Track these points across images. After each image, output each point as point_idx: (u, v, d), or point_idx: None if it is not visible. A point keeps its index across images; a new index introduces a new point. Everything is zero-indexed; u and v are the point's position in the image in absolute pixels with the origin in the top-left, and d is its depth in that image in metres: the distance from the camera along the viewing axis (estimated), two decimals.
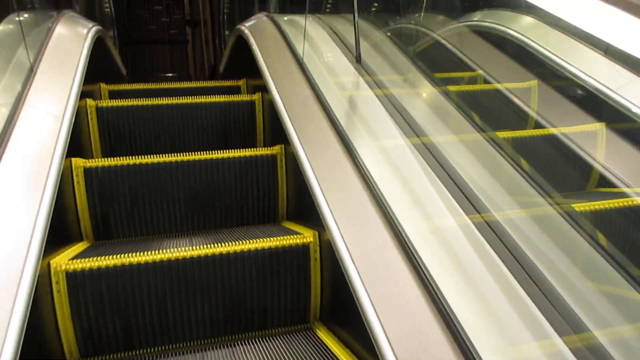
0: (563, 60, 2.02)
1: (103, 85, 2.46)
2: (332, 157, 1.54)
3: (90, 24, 2.58)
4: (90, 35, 2.38)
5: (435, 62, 2.48)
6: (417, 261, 1.10)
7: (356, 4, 2.16)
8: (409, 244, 1.15)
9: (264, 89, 2.30)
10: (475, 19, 2.76)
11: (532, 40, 2.31)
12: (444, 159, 1.42)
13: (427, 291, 1.03)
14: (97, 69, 2.63)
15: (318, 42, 2.23)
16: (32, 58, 1.82)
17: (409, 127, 1.61)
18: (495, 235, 1.15)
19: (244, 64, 3.13)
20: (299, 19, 2.71)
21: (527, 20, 2.44)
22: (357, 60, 2.12)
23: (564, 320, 0.93)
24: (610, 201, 1.49)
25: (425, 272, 1.07)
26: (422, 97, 1.99)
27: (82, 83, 1.95)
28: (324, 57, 2.12)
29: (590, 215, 1.46)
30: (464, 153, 1.54)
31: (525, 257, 1.07)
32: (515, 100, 2.01)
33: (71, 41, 2.15)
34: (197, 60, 10.93)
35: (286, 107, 1.87)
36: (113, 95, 2.49)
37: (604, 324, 0.97)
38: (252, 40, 2.48)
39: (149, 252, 1.39)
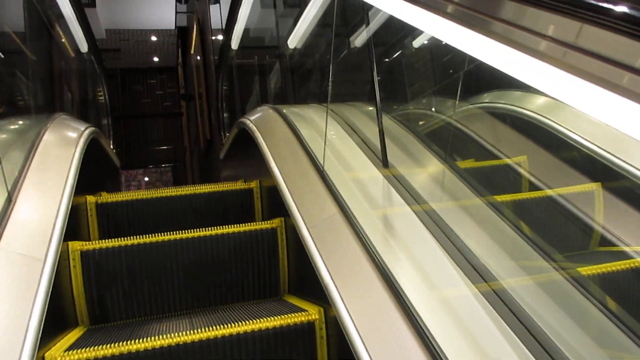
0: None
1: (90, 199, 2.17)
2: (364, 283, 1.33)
3: (82, 127, 2.35)
4: (81, 141, 2.14)
5: (460, 150, 2.26)
6: (427, 338, 1.08)
7: (378, 102, 1.94)
8: (418, 319, 1.13)
9: (273, 190, 2.15)
10: (487, 100, 2.60)
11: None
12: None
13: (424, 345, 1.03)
14: (90, 169, 2.39)
15: (336, 144, 1.99)
16: (11, 184, 1.56)
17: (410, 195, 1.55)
18: (502, 302, 1.15)
19: (247, 156, 2.91)
20: (309, 112, 2.49)
21: (542, 99, 2.30)
22: (384, 164, 1.88)
23: None
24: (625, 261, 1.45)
25: (438, 350, 1.04)
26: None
27: (69, 208, 1.69)
28: (347, 164, 1.88)
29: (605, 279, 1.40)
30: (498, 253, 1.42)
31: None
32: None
33: (59, 156, 1.89)
34: (191, 132, 10.84)
35: (311, 233, 1.60)
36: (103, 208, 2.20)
37: None
38: (260, 140, 2.24)
39: (148, 339, 1.32)
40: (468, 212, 1.68)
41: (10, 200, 1.50)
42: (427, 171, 1.98)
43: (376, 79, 1.86)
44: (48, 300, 1.29)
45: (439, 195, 1.77)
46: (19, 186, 1.61)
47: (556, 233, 1.84)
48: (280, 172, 1.94)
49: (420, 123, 2.57)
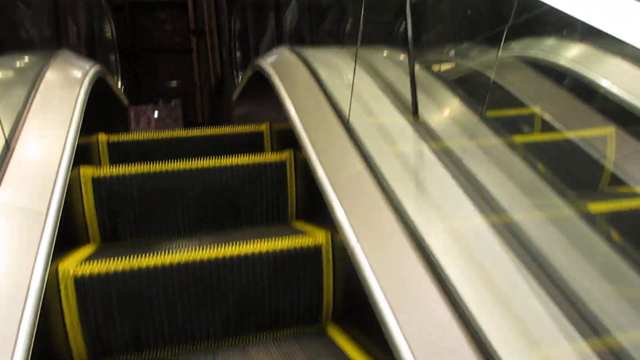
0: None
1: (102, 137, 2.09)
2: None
3: (87, 66, 2.19)
4: (86, 81, 1.99)
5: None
6: (433, 262, 1.08)
7: (411, 45, 1.77)
8: (424, 243, 1.13)
9: (283, 134, 2.15)
10: (516, 49, 2.41)
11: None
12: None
13: (445, 292, 1.01)
14: (96, 110, 2.27)
15: (363, 94, 1.83)
16: (8, 129, 1.43)
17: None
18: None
19: (261, 99, 2.76)
20: (331, 55, 2.31)
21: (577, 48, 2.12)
22: (414, 113, 1.74)
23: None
24: None
25: (444, 275, 1.05)
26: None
27: (73, 152, 1.58)
28: (373, 112, 1.73)
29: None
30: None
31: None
32: None
33: (62, 97, 1.76)
34: (202, 69, 10.55)
35: (332, 182, 1.51)
36: (112, 147, 2.14)
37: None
38: (278, 83, 2.08)
39: (159, 255, 1.37)
40: (495, 161, 1.57)
41: (8, 148, 1.38)
42: (458, 121, 1.83)
43: (409, 18, 1.68)
44: (60, 214, 1.32)
45: (471, 148, 1.64)
46: (19, 130, 1.48)
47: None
48: (300, 120, 1.80)
49: (450, 71, 2.39)
